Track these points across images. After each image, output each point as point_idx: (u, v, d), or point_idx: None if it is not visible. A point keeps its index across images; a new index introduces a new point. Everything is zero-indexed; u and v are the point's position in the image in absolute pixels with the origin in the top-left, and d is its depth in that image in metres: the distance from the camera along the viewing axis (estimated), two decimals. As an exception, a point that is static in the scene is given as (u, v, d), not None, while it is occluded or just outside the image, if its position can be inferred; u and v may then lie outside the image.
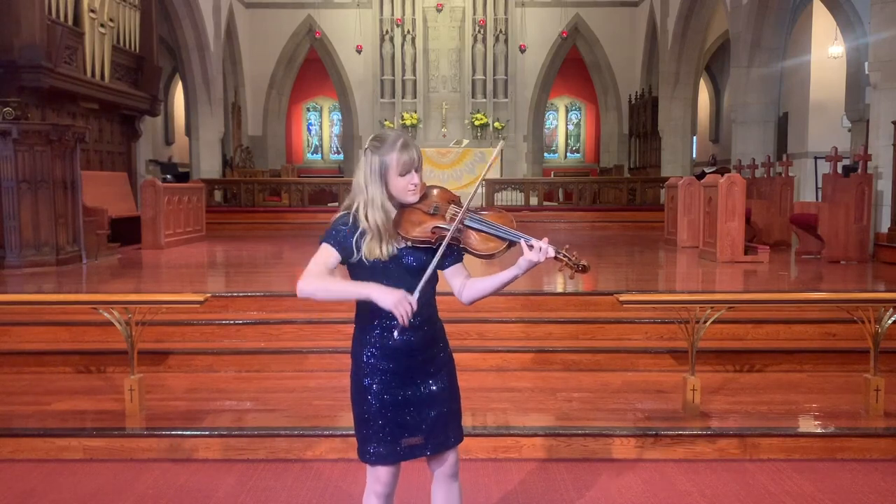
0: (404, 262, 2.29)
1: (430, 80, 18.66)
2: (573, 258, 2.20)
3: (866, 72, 9.53)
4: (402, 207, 2.29)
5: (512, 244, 2.25)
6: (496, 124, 18.30)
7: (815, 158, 13.57)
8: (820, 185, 11.47)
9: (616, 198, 15.09)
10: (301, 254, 9.81)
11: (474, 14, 18.47)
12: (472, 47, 18.52)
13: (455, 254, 2.34)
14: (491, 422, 4.14)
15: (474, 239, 2.27)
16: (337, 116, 21.68)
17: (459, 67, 18.63)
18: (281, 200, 14.86)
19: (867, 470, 3.79)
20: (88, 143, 9.85)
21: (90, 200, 8.99)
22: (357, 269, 2.30)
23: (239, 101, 18.19)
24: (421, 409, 2.36)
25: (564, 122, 22.53)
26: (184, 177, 15.90)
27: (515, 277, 2.26)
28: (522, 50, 18.55)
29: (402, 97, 18.44)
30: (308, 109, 22.37)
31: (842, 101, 13.81)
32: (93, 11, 10.11)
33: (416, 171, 2.27)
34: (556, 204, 15.40)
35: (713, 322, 4.22)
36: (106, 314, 4.18)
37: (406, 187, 2.26)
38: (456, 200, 2.32)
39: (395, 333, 2.20)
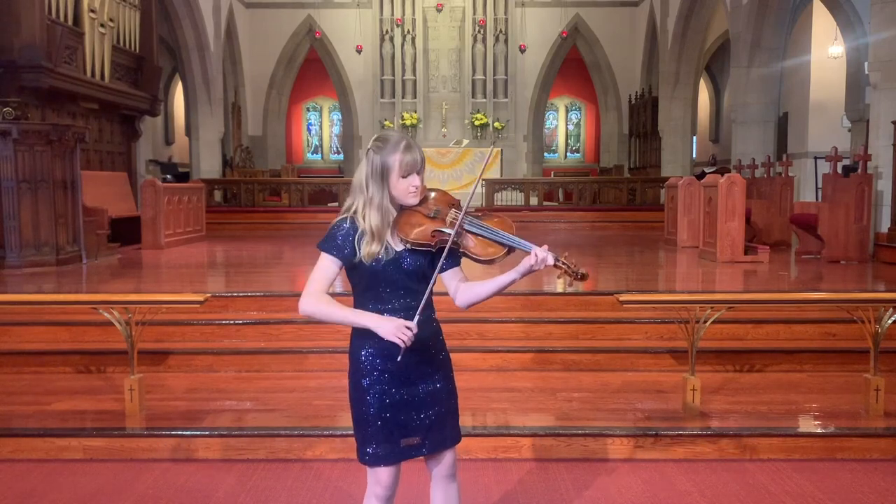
0: (403, 264, 2.28)
1: (430, 80, 18.67)
2: (572, 266, 2.21)
3: (866, 72, 9.53)
4: (402, 209, 2.29)
5: (511, 250, 2.26)
6: (496, 124, 18.31)
7: (815, 158, 13.57)
8: (820, 185, 11.47)
9: (616, 198, 15.09)
10: (301, 254, 9.82)
11: (474, 14, 18.48)
12: (472, 47, 18.53)
13: (453, 257, 2.33)
14: (491, 422, 4.14)
15: (474, 243, 2.27)
16: (337, 116, 21.68)
17: (459, 67, 18.64)
18: (281, 200, 14.86)
19: (867, 470, 3.79)
20: (88, 143, 9.85)
21: (90, 200, 8.99)
22: (356, 271, 2.30)
23: (239, 101, 18.20)
24: (419, 409, 2.35)
25: (564, 122, 22.54)
26: (184, 177, 15.90)
27: (513, 282, 2.27)
28: (522, 50, 18.55)
29: (402, 97, 18.45)
30: (308, 109, 22.37)
31: (842, 101, 13.81)
32: (93, 11, 10.11)
33: (419, 173, 2.27)
34: (556, 204, 15.41)
35: (713, 322, 4.22)
36: (106, 314, 4.18)
37: (407, 189, 2.26)
38: (456, 204, 2.32)
39: (399, 358, 2.21)
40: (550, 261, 2.20)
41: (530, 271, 2.22)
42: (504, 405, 4.40)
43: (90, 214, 8.75)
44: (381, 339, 2.26)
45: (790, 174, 10.55)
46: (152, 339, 5.04)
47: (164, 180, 14.24)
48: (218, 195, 14.91)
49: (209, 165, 16.03)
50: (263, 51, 18.62)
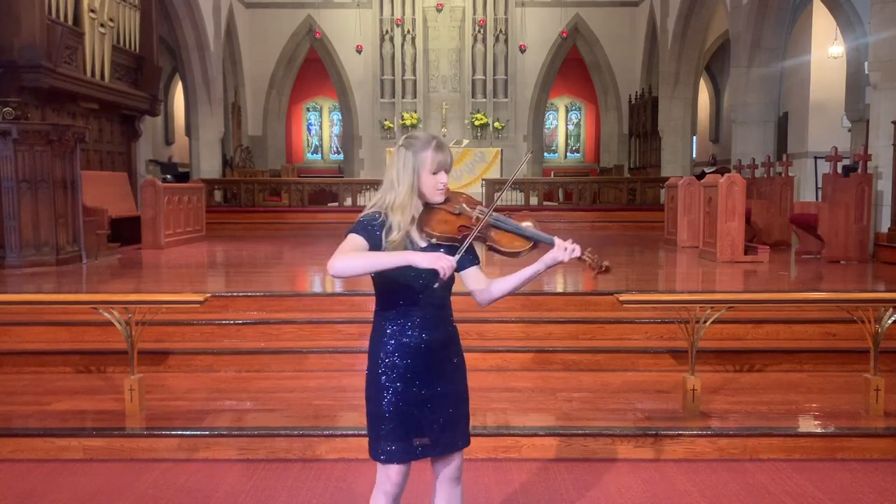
0: None
1: (430, 80, 18.67)
2: (596, 259, 2.31)
3: (866, 72, 9.53)
4: (427, 208, 2.35)
5: (536, 245, 2.34)
6: (496, 124, 18.31)
7: (815, 158, 13.57)
8: (820, 185, 11.47)
9: (616, 198, 15.09)
10: (301, 254, 9.82)
11: (474, 14, 18.48)
12: (472, 47, 18.54)
13: (474, 255, 2.40)
14: (491, 422, 4.13)
15: (500, 236, 2.35)
16: (337, 116, 21.68)
17: (459, 67, 18.64)
18: (281, 200, 14.86)
19: (867, 470, 3.79)
20: (88, 143, 9.85)
21: (90, 200, 8.99)
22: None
23: (239, 101, 18.20)
24: (435, 409, 2.38)
25: (564, 122, 22.54)
26: (184, 177, 15.90)
27: (537, 273, 2.34)
28: (522, 50, 18.55)
29: (402, 97, 18.45)
30: (308, 109, 22.37)
31: (842, 101, 13.81)
32: (93, 11, 10.11)
33: (447, 171, 2.34)
34: (556, 204, 15.40)
35: (713, 322, 4.22)
36: (106, 314, 4.18)
37: (436, 185, 2.32)
38: (479, 204, 2.40)
39: (436, 286, 2.24)
40: (578, 252, 2.27)
41: (555, 263, 2.29)
42: (504, 405, 4.40)
43: (90, 214, 8.75)
44: (400, 337, 2.32)
45: (790, 174, 10.55)
46: (152, 339, 5.03)
47: (164, 180, 14.24)
48: (218, 195, 14.91)
49: (209, 165, 16.03)
50: (263, 51, 18.61)
